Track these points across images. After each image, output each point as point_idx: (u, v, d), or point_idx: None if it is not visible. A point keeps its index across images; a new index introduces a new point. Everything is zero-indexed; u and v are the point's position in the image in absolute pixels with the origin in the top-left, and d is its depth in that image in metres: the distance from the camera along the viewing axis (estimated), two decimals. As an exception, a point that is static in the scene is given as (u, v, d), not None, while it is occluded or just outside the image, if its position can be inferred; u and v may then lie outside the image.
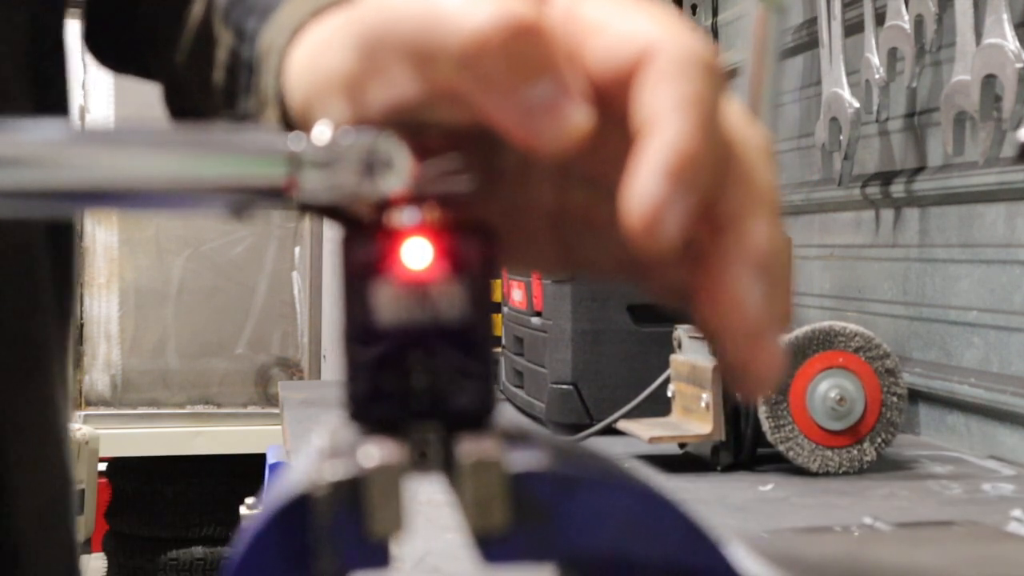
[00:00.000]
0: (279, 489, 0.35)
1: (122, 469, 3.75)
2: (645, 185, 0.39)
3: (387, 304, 0.37)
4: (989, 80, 1.38)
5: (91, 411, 3.71)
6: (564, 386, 1.60)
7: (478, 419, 0.37)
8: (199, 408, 3.79)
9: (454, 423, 0.37)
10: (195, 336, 3.82)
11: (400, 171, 0.36)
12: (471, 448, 0.34)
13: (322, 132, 0.36)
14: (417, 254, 0.37)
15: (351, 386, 0.37)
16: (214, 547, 3.68)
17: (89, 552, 4.06)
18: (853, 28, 1.70)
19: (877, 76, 1.63)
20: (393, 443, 0.35)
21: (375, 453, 0.33)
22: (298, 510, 0.34)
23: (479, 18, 0.38)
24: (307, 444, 0.42)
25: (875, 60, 1.63)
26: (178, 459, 3.63)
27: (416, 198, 0.37)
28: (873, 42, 1.64)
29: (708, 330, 0.43)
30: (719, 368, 0.43)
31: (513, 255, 0.49)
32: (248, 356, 3.86)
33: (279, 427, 2.11)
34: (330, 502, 0.33)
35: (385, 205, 0.37)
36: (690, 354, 1.41)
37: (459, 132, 0.43)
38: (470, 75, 0.39)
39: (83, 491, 3.25)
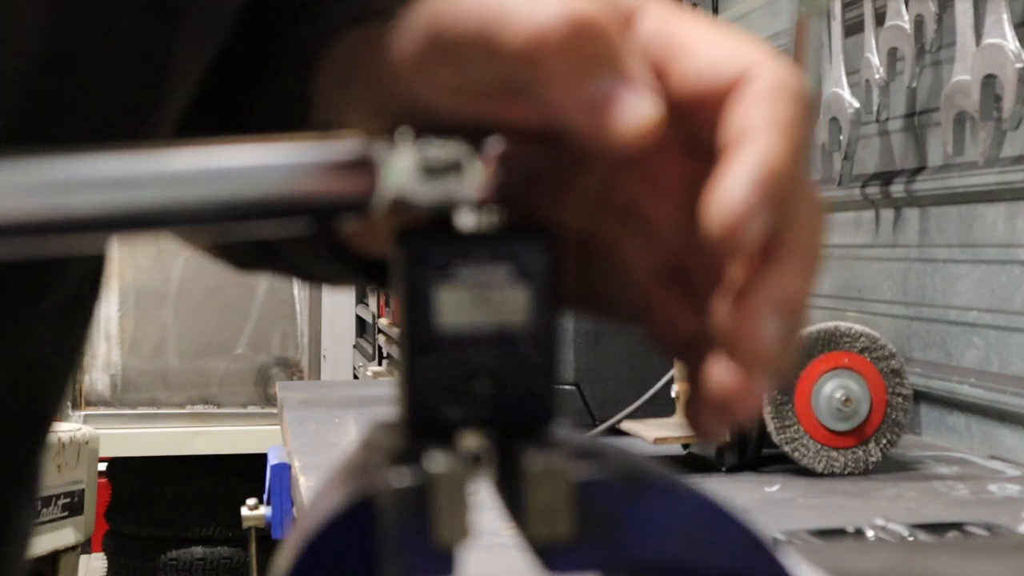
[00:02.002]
0: (332, 494, 0.35)
1: (122, 469, 3.75)
2: (736, 188, 0.39)
3: (450, 309, 0.37)
4: (989, 80, 1.38)
5: (91, 411, 3.71)
6: (566, 387, 1.60)
7: (540, 426, 0.37)
8: (199, 408, 3.79)
9: (516, 430, 0.36)
10: (195, 336, 3.82)
11: (471, 177, 0.36)
12: (536, 456, 0.33)
13: (400, 140, 0.36)
14: (482, 258, 0.37)
15: (412, 391, 0.37)
16: (214, 547, 3.68)
17: (89, 552, 4.06)
18: (853, 28, 1.71)
19: (877, 76, 1.64)
20: (455, 450, 0.35)
21: (441, 460, 0.33)
22: (359, 516, 0.34)
23: (542, 15, 0.39)
24: (353, 446, 0.42)
25: (875, 60, 1.64)
26: (178, 459, 3.63)
27: (482, 202, 0.37)
28: (873, 42, 1.64)
29: (698, 383, 0.43)
30: (690, 397, 0.43)
31: None
32: (248, 356, 3.86)
33: (279, 427, 2.11)
34: (395, 509, 0.32)
35: (450, 209, 0.37)
36: (694, 355, 1.41)
37: (525, 139, 0.44)
38: (534, 70, 0.39)
39: (83, 491, 3.25)
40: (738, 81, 0.42)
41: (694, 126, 0.43)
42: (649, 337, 0.47)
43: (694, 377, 0.44)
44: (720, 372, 0.42)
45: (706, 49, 0.42)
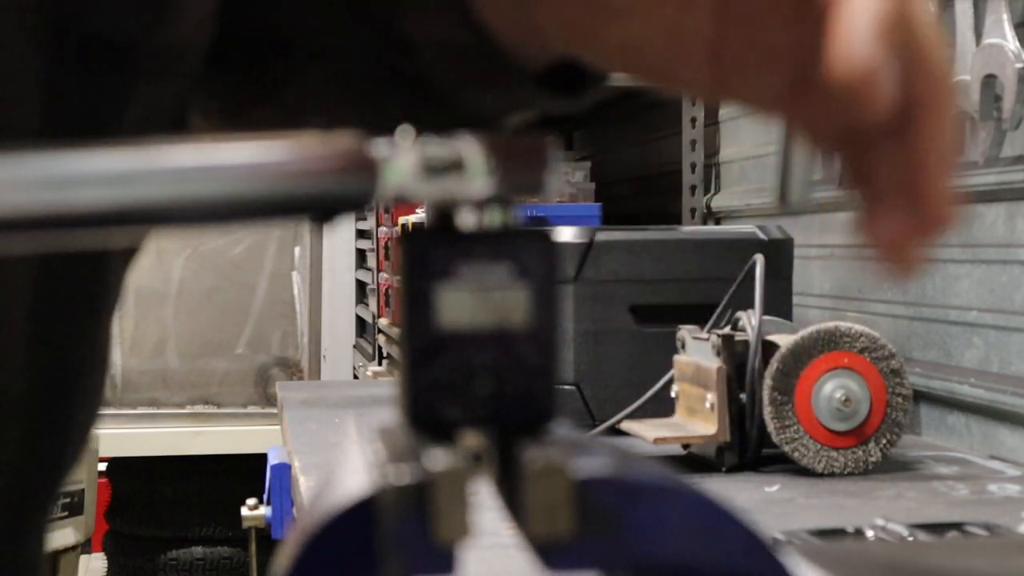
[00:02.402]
0: (332, 493, 0.35)
1: (122, 469, 3.75)
2: (861, 44, 0.40)
3: (451, 309, 0.37)
4: (989, 80, 1.38)
5: (91, 411, 3.70)
6: (566, 387, 1.60)
7: (540, 425, 0.37)
8: (199, 408, 3.78)
9: (517, 429, 0.37)
10: (195, 336, 3.82)
11: (472, 176, 0.36)
12: (536, 454, 0.34)
13: (401, 138, 0.36)
14: (483, 258, 0.37)
15: (412, 390, 0.37)
16: (214, 547, 3.68)
17: (89, 552, 4.06)
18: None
19: (877, 77, 1.63)
20: (455, 448, 0.35)
21: (442, 458, 0.33)
22: (360, 514, 0.34)
23: None
24: (353, 445, 0.42)
25: (875, 61, 1.64)
26: (178, 459, 3.63)
27: (483, 201, 0.37)
28: (873, 43, 1.64)
29: (866, 180, 0.44)
30: (868, 232, 0.43)
31: (671, 76, 0.51)
32: (248, 356, 3.86)
33: (279, 427, 2.11)
34: (396, 507, 0.33)
35: (450, 208, 0.37)
36: (694, 355, 1.42)
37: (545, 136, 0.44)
38: None
39: (83, 491, 3.25)
40: None
41: None
42: (798, 136, 0.49)
43: (858, 176, 0.45)
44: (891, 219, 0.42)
45: None
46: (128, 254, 0.58)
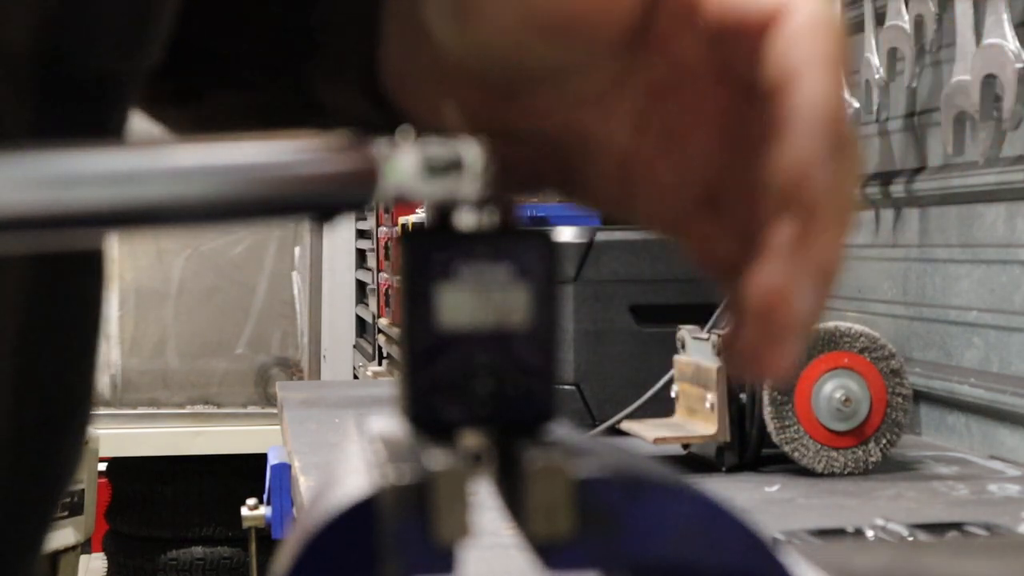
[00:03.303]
0: (332, 493, 0.35)
1: (122, 469, 3.75)
2: (804, 140, 0.40)
3: (451, 308, 0.37)
4: (989, 80, 1.38)
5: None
6: (566, 387, 1.60)
7: (540, 425, 0.37)
8: (199, 408, 3.79)
9: (516, 429, 0.37)
10: (195, 336, 3.82)
11: (472, 176, 0.36)
12: (536, 454, 0.33)
13: (401, 138, 0.36)
14: (483, 258, 0.37)
15: (412, 389, 0.37)
16: (214, 547, 3.68)
17: (89, 552, 4.06)
18: (853, 28, 1.71)
19: (877, 76, 1.64)
20: (454, 447, 0.35)
21: (442, 458, 0.33)
22: (360, 514, 0.34)
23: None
24: (353, 445, 0.42)
25: (875, 60, 1.64)
26: (178, 459, 3.63)
27: (482, 201, 0.37)
28: (873, 42, 1.64)
29: (739, 306, 0.43)
30: (727, 347, 0.43)
31: (577, 185, 0.50)
32: (248, 356, 3.86)
33: (279, 427, 2.11)
34: (396, 507, 0.33)
35: (450, 208, 0.37)
36: (694, 355, 1.42)
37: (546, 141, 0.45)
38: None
39: (83, 491, 3.26)
40: (773, 15, 0.42)
41: (732, 58, 0.44)
42: (689, 257, 0.48)
43: (734, 302, 0.44)
44: (760, 334, 0.42)
45: None
46: (103, 273, 0.58)
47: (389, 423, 0.39)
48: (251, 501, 2.43)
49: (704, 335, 1.40)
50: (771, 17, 0.42)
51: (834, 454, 1.34)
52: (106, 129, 0.52)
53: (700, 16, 0.44)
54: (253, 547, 2.76)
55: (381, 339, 3.40)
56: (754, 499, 1.24)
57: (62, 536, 3.17)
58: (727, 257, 0.46)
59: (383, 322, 3.30)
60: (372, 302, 3.60)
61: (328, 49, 0.55)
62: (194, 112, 0.62)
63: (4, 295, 0.50)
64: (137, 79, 0.54)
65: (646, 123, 0.48)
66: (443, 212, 0.37)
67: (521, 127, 0.50)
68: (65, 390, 0.55)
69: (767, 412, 1.33)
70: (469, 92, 0.50)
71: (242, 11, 0.58)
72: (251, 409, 3.79)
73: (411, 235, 0.37)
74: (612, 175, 0.49)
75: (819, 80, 0.41)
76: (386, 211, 3.15)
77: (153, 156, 0.34)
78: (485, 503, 0.34)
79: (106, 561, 3.86)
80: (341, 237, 3.91)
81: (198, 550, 3.68)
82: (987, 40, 1.38)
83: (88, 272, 0.54)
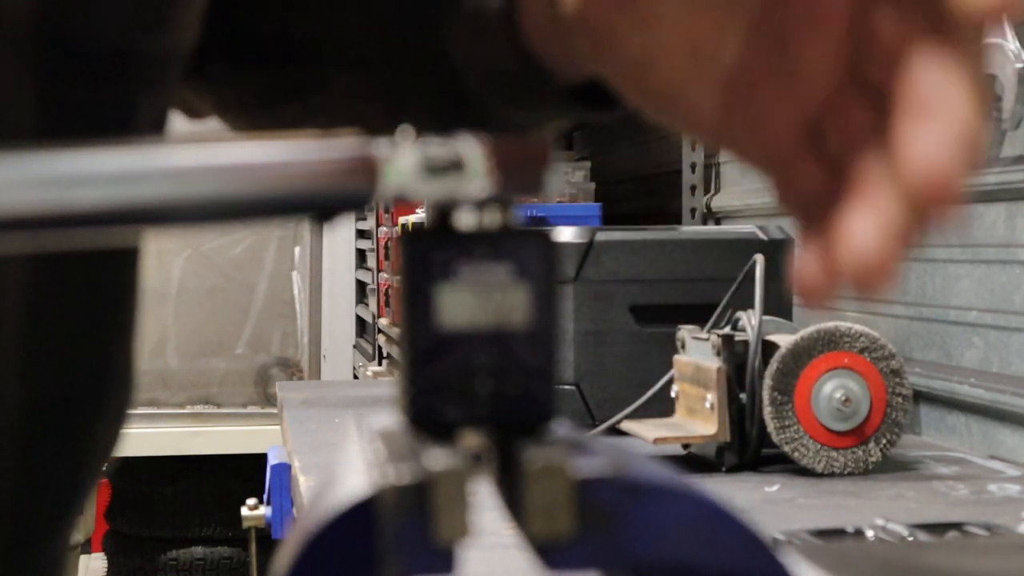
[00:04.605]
0: (332, 493, 0.35)
1: (122, 469, 3.75)
2: (942, 149, 0.40)
3: (451, 308, 0.37)
4: (989, 80, 1.38)
5: (91, 411, 3.70)
6: (566, 387, 1.60)
7: (539, 425, 0.37)
8: (199, 408, 3.78)
9: (516, 429, 0.37)
10: (195, 336, 3.82)
11: (472, 175, 0.36)
12: (536, 454, 0.34)
13: (402, 138, 0.36)
14: (483, 258, 0.37)
15: (412, 389, 0.37)
16: (214, 547, 3.68)
17: (89, 552, 4.05)
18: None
19: (877, 77, 1.64)
20: (454, 447, 0.35)
21: (442, 458, 0.33)
22: (360, 514, 0.34)
23: None
24: (353, 445, 0.42)
25: (875, 61, 1.64)
26: (178, 459, 3.63)
27: (483, 201, 0.37)
28: (873, 43, 1.64)
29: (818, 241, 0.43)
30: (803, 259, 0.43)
31: (680, 101, 0.49)
32: (248, 356, 3.86)
33: (279, 427, 2.11)
34: (396, 507, 0.33)
35: (450, 208, 0.37)
36: (694, 355, 1.42)
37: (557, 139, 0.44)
38: None
39: (83, 491, 3.25)
40: (989, 13, 0.43)
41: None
42: (774, 188, 0.47)
43: (809, 237, 0.44)
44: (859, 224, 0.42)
45: None
46: (132, 263, 0.57)
47: (389, 423, 0.39)
48: (251, 501, 2.43)
49: (704, 335, 1.40)
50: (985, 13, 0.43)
51: (834, 454, 1.34)
52: (128, 109, 0.52)
53: None
54: (253, 547, 2.76)
55: (381, 339, 3.40)
56: (754, 499, 1.24)
57: (62, 536, 3.16)
58: (814, 191, 0.45)
59: (383, 322, 3.30)
60: (372, 302, 3.59)
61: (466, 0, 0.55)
62: (307, 106, 0.61)
63: (7, 287, 0.50)
64: (169, 60, 0.53)
65: (760, 34, 0.46)
66: (443, 212, 0.37)
67: (635, 28, 0.48)
68: (83, 372, 0.55)
69: (767, 412, 1.33)
70: (595, 15, 0.49)
71: None
72: (251, 409, 3.79)
73: (411, 235, 0.37)
74: (714, 90, 0.48)
75: (970, 103, 0.41)
76: (386, 211, 3.15)
77: (154, 156, 0.34)
78: (485, 503, 0.34)
79: (106, 561, 3.86)
80: (341, 237, 3.90)
81: (198, 550, 3.68)
82: (987, 40, 1.38)
83: (103, 262, 0.54)
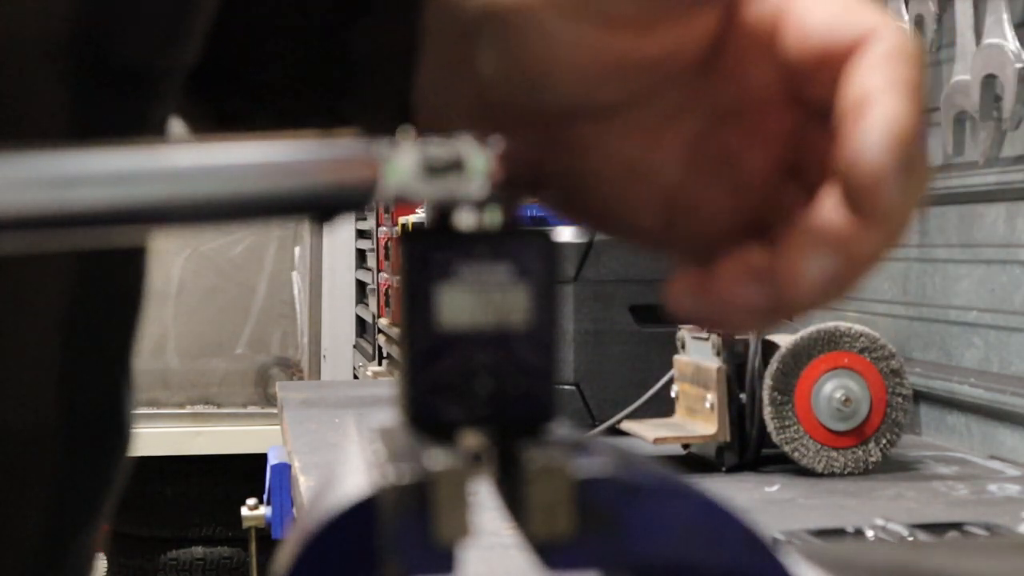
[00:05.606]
0: (332, 493, 0.35)
1: (122, 469, 3.75)
2: (875, 148, 0.40)
3: (451, 308, 0.37)
4: (989, 80, 1.39)
5: (91, 411, 3.70)
6: (566, 387, 1.60)
7: (539, 425, 0.37)
8: (199, 408, 3.79)
9: (517, 429, 0.36)
10: (195, 336, 3.82)
11: (472, 176, 0.36)
12: (536, 454, 0.33)
13: (402, 138, 0.36)
14: (483, 258, 0.37)
15: (412, 389, 0.37)
16: (214, 547, 3.68)
17: (89, 552, 4.05)
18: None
19: (877, 77, 1.64)
20: (454, 447, 0.35)
21: (442, 458, 0.33)
22: (360, 514, 0.34)
23: None
24: (353, 445, 0.42)
25: (875, 61, 1.64)
26: (178, 459, 3.63)
27: (483, 201, 0.37)
28: (873, 43, 1.64)
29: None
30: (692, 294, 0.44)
31: (622, 221, 0.49)
32: (248, 356, 3.86)
33: (279, 427, 2.11)
34: (396, 507, 0.32)
35: (450, 208, 0.37)
36: (694, 355, 1.42)
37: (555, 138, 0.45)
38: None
39: (83, 491, 3.25)
40: (858, 43, 0.42)
41: (805, 83, 0.44)
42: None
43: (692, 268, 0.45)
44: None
45: (825, 8, 0.44)
46: (146, 264, 0.58)
47: (389, 423, 0.39)
48: (251, 501, 2.43)
49: (704, 335, 1.40)
50: (854, 46, 0.42)
51: (834, 454, 1.34)
52: (147, 123, 0.52)
53: (778, 44, 0.44)
54: (253, 547, 2.76)
55: (381, 339, 3.40)
56: (754, 499, 1.24)
57: (62, 536, 3.16)
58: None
59: (383, 322, 3.30)
60: (372, 302, 3.60)
61: (366, 81, 0.55)
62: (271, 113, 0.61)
63: (47, 290, 0.50)
64: (174, 76, 0.54)
65: (701, 150, 0.48)
66: (443, 212, 0.37)
67: (563, 159, 0.49)
68: (111, 376, 0.55)
69: (767, 412, 1.34)
70: (511, 126, 0.49)
71: (280, 41, 0.58)
72: (251, 409, 3.79)
73: (411, 235, 0.37)
74: (654, 206, 0.49)
75: (898, 102, 0.41)
76: (386, 211, 3.15)
77: (154, 156, 0.34)
78: (485, 503, 0.34)
79: (106, 561, 3.86)
80: (341, 237, 3.91)
81: (198, 550, 3.68)
82: (987, 40, 1.39)
83: (132, 267, 0.55)
